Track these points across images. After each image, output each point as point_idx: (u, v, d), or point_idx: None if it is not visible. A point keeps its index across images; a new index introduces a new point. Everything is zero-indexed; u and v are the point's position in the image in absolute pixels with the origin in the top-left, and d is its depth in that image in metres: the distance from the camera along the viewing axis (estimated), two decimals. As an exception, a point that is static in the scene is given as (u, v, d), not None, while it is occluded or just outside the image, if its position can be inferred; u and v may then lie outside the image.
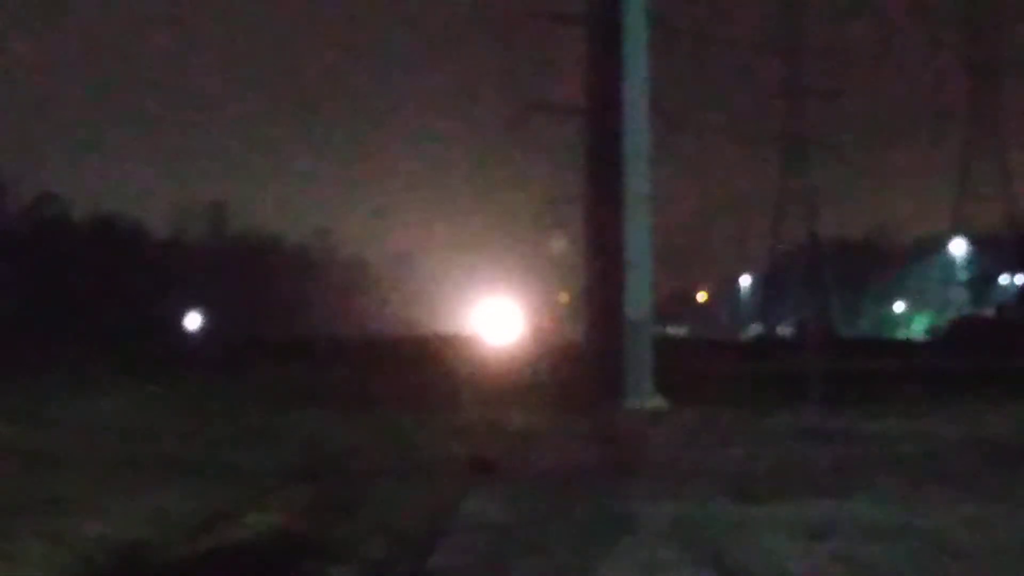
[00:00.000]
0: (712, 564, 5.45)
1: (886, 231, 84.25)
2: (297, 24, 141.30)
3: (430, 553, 5.74)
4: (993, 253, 70.65)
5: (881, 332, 73.31)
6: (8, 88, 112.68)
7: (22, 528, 6.15)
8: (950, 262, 73.44)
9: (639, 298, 15.28)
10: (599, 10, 16.13)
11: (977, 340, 41.05)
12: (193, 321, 66.83)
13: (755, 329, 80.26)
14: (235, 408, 13.50)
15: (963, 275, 73.22)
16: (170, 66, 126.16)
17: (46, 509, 6.67)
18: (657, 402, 14.83)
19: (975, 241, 72.39)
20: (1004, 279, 69.96)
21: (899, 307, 78.22)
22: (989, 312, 63.73)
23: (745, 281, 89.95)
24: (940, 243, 74.34)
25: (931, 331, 66.77)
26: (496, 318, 42.23)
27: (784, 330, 73.89)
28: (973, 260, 72.97)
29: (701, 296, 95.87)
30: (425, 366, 23.11)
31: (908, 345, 50.21)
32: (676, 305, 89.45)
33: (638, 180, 15.26)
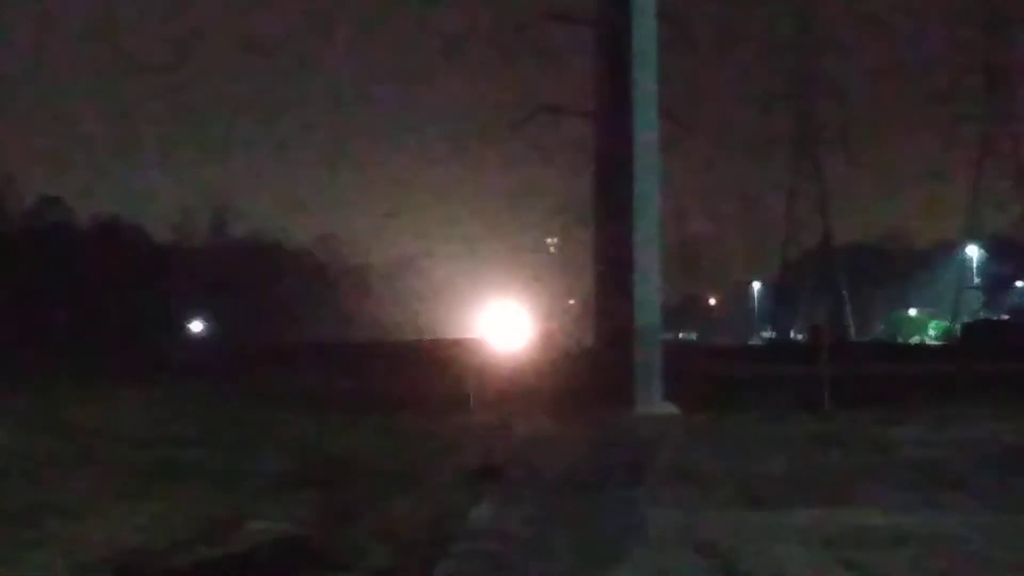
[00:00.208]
0: (723, 571, 5.40)
1: (900, 235, 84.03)
2: (303, 27, 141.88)
3: (437, 561, 5.69)
4: (1007, 257, 70.30)
5: (894, 337, 73.03)
6: (10, 91, 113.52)
7: (23, 534, 6.13)
8: (964, 266, 73.12)
9: (648, 303, 15.20)
10: (608, 13, 16.09)
11: (991, 344, 40.83)
12: (196, 325, 67.07)
13: (766, 334, 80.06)
14: (238, 413, 13.49)
15: (977, 279, 72.87)
16: (174, 69, 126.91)
17: (46, 515, 6.65)
18: (667, 408, 14.75)
19: (989, 245, 72.05)
20: (1018, 283, 69.58)
21: (912, 312, 77.91)
22: (1003, 316, 63.41)
23: (757, 286, 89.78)
24: (954, 247, 74.04)
25: (945, 336, 66.46)
26: (504, 323, 42.20)
27: (796, 335, 73.66)
28: (987, 264, 72.63)
29: (712, 301, 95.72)
30: (432, 371, 23.08)
31: (922, 350, 49.94)
32: (687, 311, 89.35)
33: (647, 184, 15.19)
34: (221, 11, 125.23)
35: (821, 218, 74.96)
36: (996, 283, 71.74)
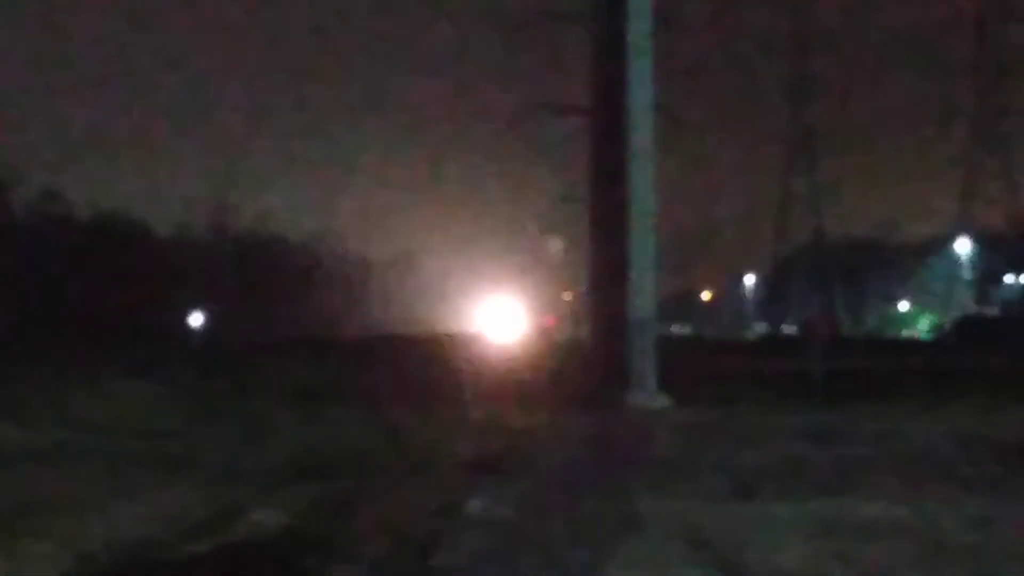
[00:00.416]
0: (715, 562, 5.45)
1: (891, 230, 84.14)
2: (303, 24, 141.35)
3: (434, 551, 5.75)
4: (998, 252, 70.50)
5: (885, 331, 73.22)
6: (11, 85, 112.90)
7: (28, 527, 6.16)
8: (955, 261, 73.30)
9: (643, 297, 15.29)
10: (603, 10, 16.14)
11: (982, 339, 40.99)
12: (197, 320, 66.85)
13: (759, 328, 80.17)
14: (239, 407, 13.51)
15: (968, 274, 73.07)
16: (175, 64, 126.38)
17: (51, 508, 6.68)
18: (661, 401, 14.84)
19: (980, 240, 72.25)
20: (1009, 278, 69.80)
21: (904, 306, 78.11)
22: (994, 311, 63.61)
23: (750, 280, 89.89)
24: (945, 242, 74.21)
25: (936, 330, 66.67)
26: (500, 317, 42.18)
27: (789, 329, 73.80)
28: (978, 259, 72.82)
29: (705, 295, 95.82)
30: (429, 365, 23.10)
31: (913, 344, 50.14)
32: (680, 304, 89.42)
33: (642, 180, 15.27)
34: (225, 8, 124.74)
35: (814, 212, 75.09)
36: (987, 278, 71.96)
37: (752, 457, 9.33)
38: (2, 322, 46.16)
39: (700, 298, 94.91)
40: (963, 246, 72.72)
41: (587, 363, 17.90)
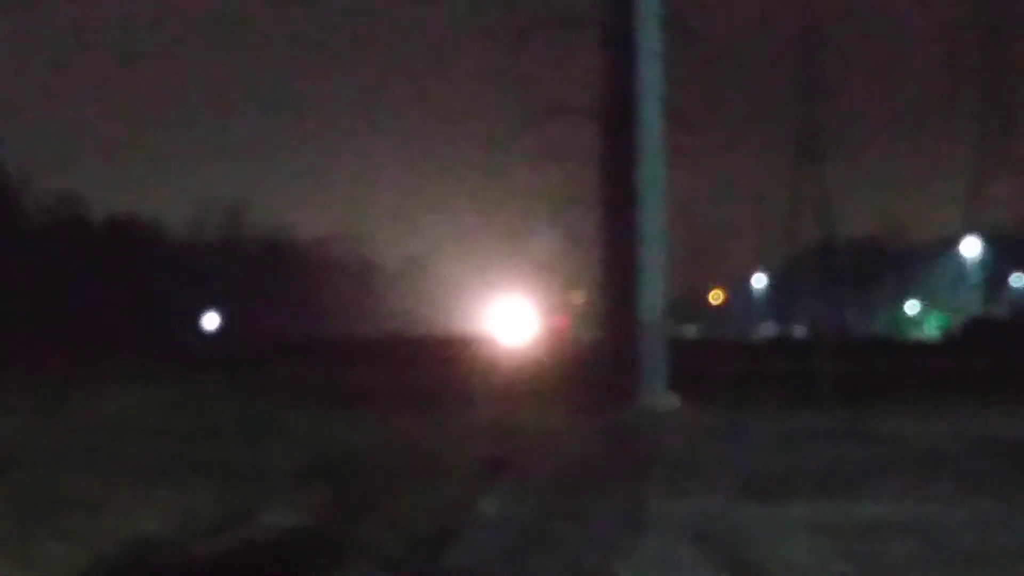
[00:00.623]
0: (726, 563, 5.47)
1: (899, 231, 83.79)
2: (313, 26, 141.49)
3: (445, 552, 5.77)
4: (1006, 253, 70.18)
5: (894, 332, 72.97)
6: (26, 88, 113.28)
7: (40, 527, 6.20)
8: (963, 262, 73.01)
9: (653, 298, 15.28)
10: (612, 13, 16.15)
11: (990, 340, 40.82)
12: (210, 320, 66.93)
13: (768, 329, 79.95)
14: (251, 407, 13.55)
15: (976, 275, 72.77)
16: (188, 65, 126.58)
17: (63, 508, 6.71)
18: (671, 402, 14.83)
19: (988, 241, 71.93)
20: (1017, 279, 69.48)
21: (912, 307, 77.83)
22: (1002, 312, 63.31)
23: (758, 281, 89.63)
24: (953, 243, 73.90)
25: (944, 331, 66.42)
26: (509, 318, 42.15)
27: (797, 330, 73.60)
28: (986, 260, 72.52)
29: (714, 296, 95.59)
30: (438, 365, 23.14)
31: (921, 345, 49.97)
32: (689, 305, 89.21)
33: (651, 182, 15.27)
34: (237, 10, 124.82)
35: (822, 213, 74.83)
36: (995, 278, 71.66)
37: (762, 458, 9.33)
38: (17, 323, 46.31)
39: (709, 299, 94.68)
40: (971, 247, 72.44)
41: (597, 364, 17.90)
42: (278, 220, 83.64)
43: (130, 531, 6.19)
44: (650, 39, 15.20)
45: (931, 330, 70.97)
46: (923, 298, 76.95)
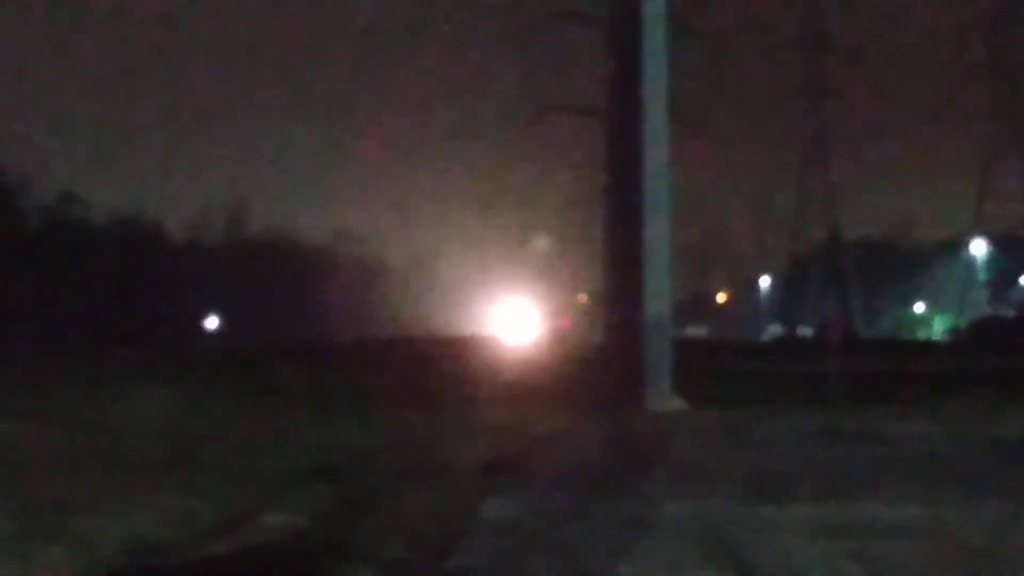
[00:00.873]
0: (731, 564, 5.44)
1: (906, 231, 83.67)
2: (318, 25, 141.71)
3: (450, 554, 5.75)
4: (1014, 254, 70.01)
5: (901, 333, 72.82)
6: (29, 89, 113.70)
7: (42, 530, 6.18)
8: (971, 263, 72.86)
9: (658, 299, 15.24)
10: (617, 11, 16.11)
11: (998, 340, 40.68)
12: (212, 322, 67.05)
13: (775, 330, 79.86)
14: (253, 409, 13.55)
15: (984, 276, 72.61)
16: (191, 66, 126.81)
17: (65, 511, 6.69)
18: (676, 403, 14.79)
19: (996, 241, 71.78)
20: (1025, 279, 69.30)
21: (919, 308, 77.67)
22: (1009, 313, 63.14)
23: (765, 282, 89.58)
24: (960, 243, 73.75)
25: (952, 332, 66.27)
26: (514, 319, 42.20)
27: (804, 331, 73.51)
28: (994, 260, 72.36)
29: (721, 297, 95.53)
30: (443, 367, 23.12)
31: (928, 346, 49.83)
32: (695, 306, 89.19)
33: (656, 181, 15.23)
34: (239, 11, 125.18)
35: (829, 214, 74.74)
36: (1003, 279, 71.48)
37: (768, 459, 9.30)
38: (18, 324, 46.44)
39: (716, 300, 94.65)
40: (979, 248, 72.26)
41: (602, 365, 17.87)
42: (281, 221, 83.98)
43: (131, 533, 6.18)
44: (655, 38, 15.16)
45: (939, 330, 70.79)
46: (931, 298, 76.77)
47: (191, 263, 69.12)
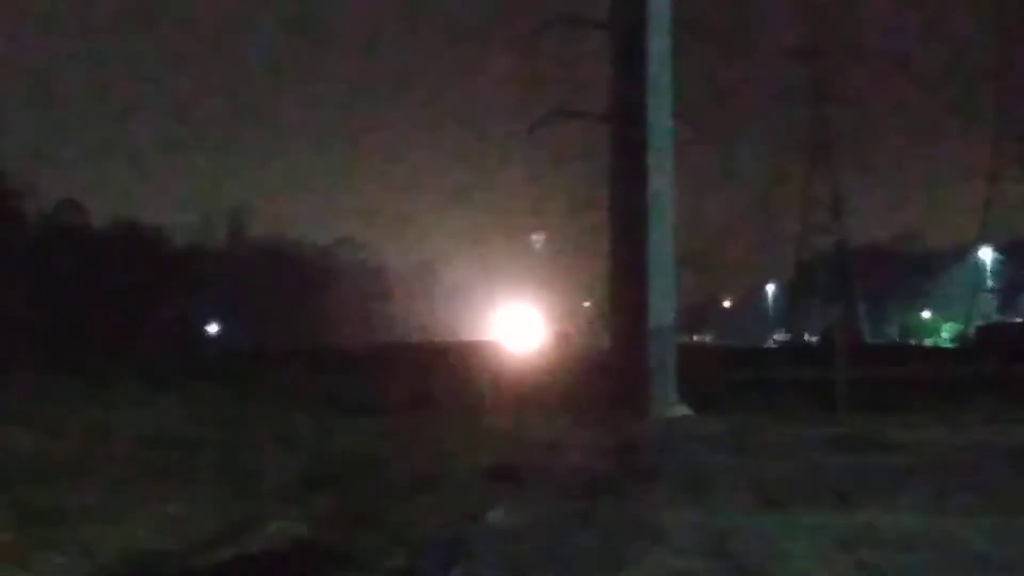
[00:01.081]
0: (737, 573, 5.39)
1: (914, 238, 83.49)
2: (321, 31, 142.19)
3: (453, 562, 5.72)
4: (1021, 260, 69.82)
5: (908, 340, 72.62)
6: (29, 94, 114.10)
7: (43, 538, 6.16)
8: (978, 269, 72.67)
9: (663, 306, 15.20)
10: (623, 15, 16.10)
11: (1006, 347, 40.50)
12: (214, 328, 67.02)
13: (780, 337, 79.71)
14: (255, 415, 13.52)
15: (991, 282, 72.40)
16: (192, 72, 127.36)
17: (67, 518, 6.67)
18: (682, 410, 14.74)
19: (1003, 248, 71.60)
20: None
21: (927, 314, 77.46)
22: (1017, 319, 62.93)
23: (771, 288, 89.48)
24: (968, 250, 73.59)
25: (959, 339, 66.08)
26: (518, 325, 42.14)
27: (810, 338, 73.35)
28: (1001, 267, 72.15)
29: (726, 304, 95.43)
30: (447, 373, 23.08)
31: (936, 353, 49.65)
32: (701, 313, 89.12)
33: (662, 186, 15.20)
34: (240, 13, 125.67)
35: (836, 220, 74.64)
36: (1010, 286, 71.27)
37: (774, 467, 9.25)
38: (18, 331, 46.48)
39: (721, 306, 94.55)
40: (986, 254, 72.07)
41: (607, 372, 17.81)
42: (283, 226, 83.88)
43: (132, 542, 6.15)
44: (659, 43, 15.14)
45: (946, 337, 70.58)
46: (938, 305, 76.57)
47: (193, 269, 69.07)
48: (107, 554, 5.87)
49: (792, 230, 76.99)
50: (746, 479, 8.48)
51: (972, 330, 62.74)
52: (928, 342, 69.43)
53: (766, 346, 70.63)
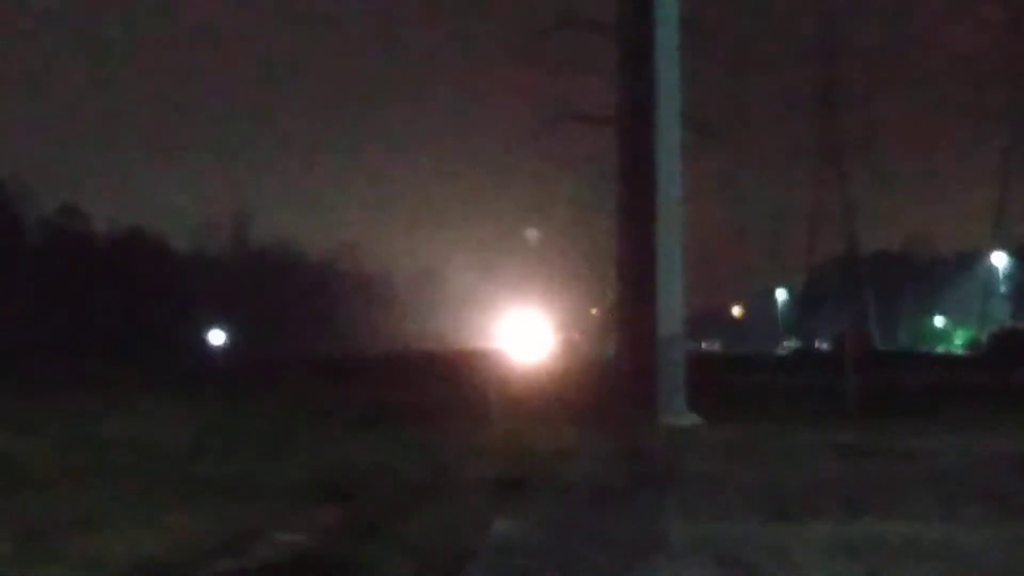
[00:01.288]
0: (748, 585, 5.33)
1: (925, 243, 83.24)
2: (324, 39, 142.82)
3: (459, 573, 5.66)
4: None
5: (920, 346, 72.34)
6: (31, 101, 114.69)
7: (44, 548, 6.11)
8: (991, 274, 72.31)
9: (672, 312, 15.10)
10: (630, 18, 16.05)
11: (1019, 354, 40.25)
12: (216, 337, 67.04)
13: (791, 343, 79.45)
14: (259, 425, 13.50)
15: (1004, 288, 72.04)
16: (195, 79, 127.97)
17: (69, 529, 6.62)
18: (690, 419, 14.63)
19: (1016, 253, 71.22)
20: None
21: (939, 321, 77.15)
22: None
23: (781, 295, 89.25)
24: (980, 255, 73.25)
25: (971, 345, 65.75)
26: (523, 333, 42.07)
27: (821, 344, 73.11)
28: (1014, 272, 71.79)
29: (736, 311, 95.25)
30: (452, 382, 23.05)
31: (948, 359, 49.45)
32: (710, 320, 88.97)
33: (670, 192, 15.12)
34: (242, 19, 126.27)
35: (846, 226, 74.40)
36: (1023, 291, 70.90)
37: (785, 476, 9.18)
38: (21, 338, 46.66)
39: (731, 314, 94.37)
40: (999, 259, 71.72)
41: (614, 380, 17.73)
42: (286, 233, 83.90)
43: (136, 553, 6.10)
44: (667, 45, 15.07)
45: (958, 343, 70.25)
46: (950, 311, 76.26)
47: (195, 276, 69.19)
48: (108, 565, 5.81)
49: (801, 236, 76.79)
50: (756, 488, 8.41)
51: (984, 336, 62.43)
52: (940, 349, 69.10)
53: (776, 353, 70.37)
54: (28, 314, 53.05)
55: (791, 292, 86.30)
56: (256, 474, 9.07)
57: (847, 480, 8.86)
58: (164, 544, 6.33)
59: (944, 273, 77.53)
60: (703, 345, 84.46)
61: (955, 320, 74.89)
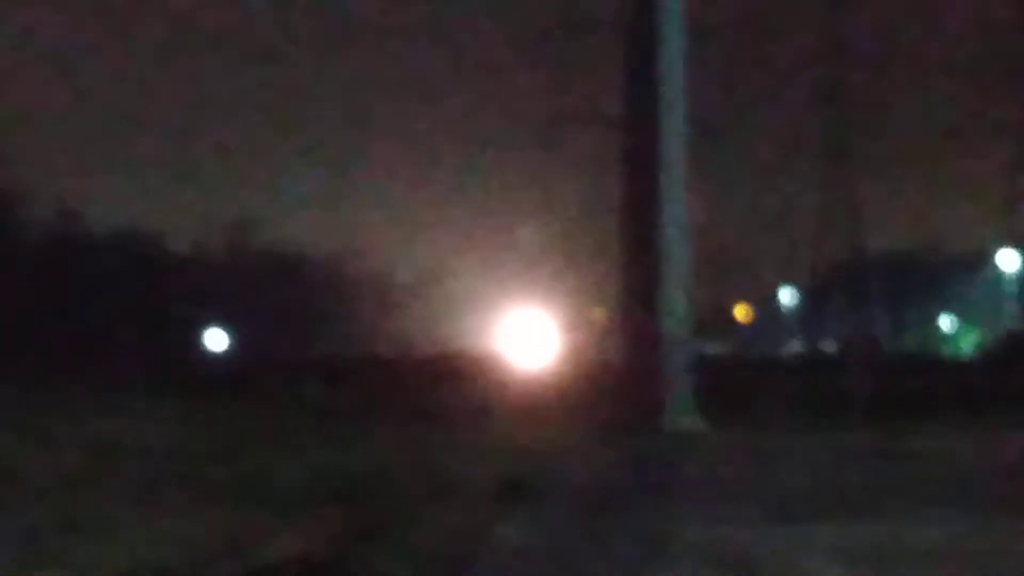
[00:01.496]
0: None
1: (933, 244, 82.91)
2: (327, 39, 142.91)
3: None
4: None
5: (928, 348, 72.11)
6: (27, 102, 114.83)
7: (42, 553, 6.06)
8: (999, 276, 72.04)
9: (678, 314, 15.05)
10: (635, 18, 15.99)
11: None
12: (215, 339, 66.95)
13: (796, 346, 79.27)
14: (259, 427, 13.48)
15: (1013, 290, 71.75)
16: (194, 80, 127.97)
17: (67, 533, 6.58)
18: (697, 423, 14.58)
19: (1024, 251, 70.94)
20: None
21: (946, 323, 76.89)
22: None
23: (786, 297, 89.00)
24: (989, 256, 72.97)
25: (980, 347, 65.56)
26: (527, 335, 42.03)
27: (828, 347, 72.93)
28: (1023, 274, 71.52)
29: (741, 313, 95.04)
30: (455, 384, 23.04)
31: (956, 362, 49.32)
32: (715, 322, 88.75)
33: (674, 193, 15.07)
34: (241, 20, 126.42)
35: (852, 227, 74.24)
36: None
37: (792, 480, 9.14)
38: (18, 341, 46.75)
39: (736, 316, 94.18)
40: (1008, 260, 71.40)
41: (619, 383, 17.65)
42: (287, 235, 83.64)
43: (135, 558, 6.06)
44: (672, 46, 15.02)
45: (966, 346, 70.00)
46: (958, 313, 75.97)
47: (195, 279, 69.15)
48: (108, 571, 5.77)
49: (808, 237, 76.60)
50: (763, 493, 8.38)
51: (993, 339, 62.26)
52: (948, 351, 68.85)
53: (783, 356, 70.22)
54: (25, 316, 53.18)
55: (797, 294, 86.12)
56: (256, 477, 9.05)
57: (855, 483, 8.83)
58: (164, 549, 6.30)
59: (952, 275, 77.21)
60: (708, 347, 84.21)
61: (964, 322, 74.58)
